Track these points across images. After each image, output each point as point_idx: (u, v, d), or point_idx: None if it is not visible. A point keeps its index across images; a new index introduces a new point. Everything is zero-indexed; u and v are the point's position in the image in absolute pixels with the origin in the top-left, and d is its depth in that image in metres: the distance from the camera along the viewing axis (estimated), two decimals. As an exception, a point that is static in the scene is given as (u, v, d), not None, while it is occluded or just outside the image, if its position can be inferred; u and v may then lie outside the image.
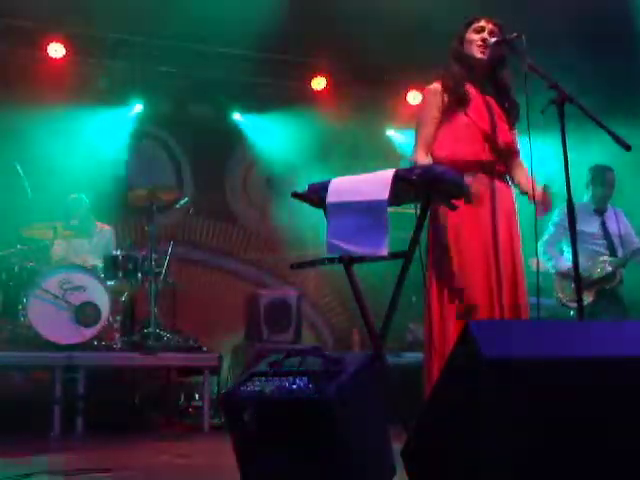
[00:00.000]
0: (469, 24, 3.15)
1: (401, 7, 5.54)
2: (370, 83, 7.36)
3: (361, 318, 2.68)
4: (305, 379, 2.13)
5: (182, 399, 6.00)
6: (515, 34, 2.99)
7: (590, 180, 5.13)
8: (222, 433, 3.65)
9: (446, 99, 3.07)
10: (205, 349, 5.59)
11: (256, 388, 2.18)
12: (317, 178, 2.81)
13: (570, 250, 2.75)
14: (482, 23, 3.12)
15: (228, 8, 5.58)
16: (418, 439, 2.04)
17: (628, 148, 2.63)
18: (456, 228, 2.96)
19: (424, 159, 3.03)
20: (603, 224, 5.08)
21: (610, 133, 2.65)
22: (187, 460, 3.65)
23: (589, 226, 5.01)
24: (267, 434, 2.14)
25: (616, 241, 5.04)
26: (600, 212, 5.12)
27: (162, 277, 5.93)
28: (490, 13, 3.18)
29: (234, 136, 7.75)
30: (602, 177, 5.10)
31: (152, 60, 6.90)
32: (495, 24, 3.13)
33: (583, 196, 5.16)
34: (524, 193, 3.16)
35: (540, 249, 5.08)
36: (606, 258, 4.96)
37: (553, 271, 5.09)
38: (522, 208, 3.22)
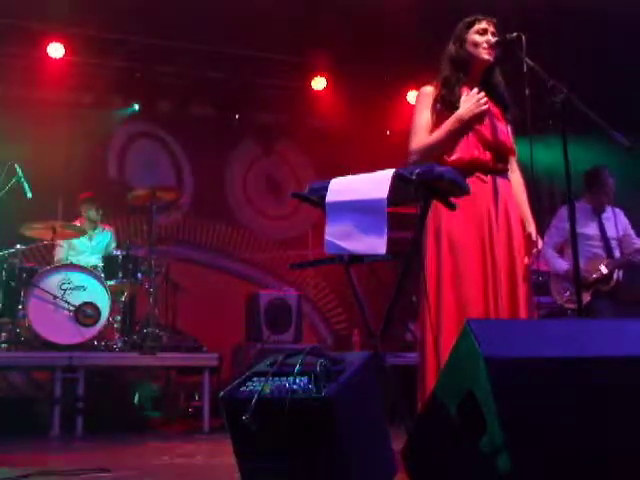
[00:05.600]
0: (469, 25, 3.10)
1: (401, 6, 5.55)
2: (370, 83, 7.35)
3: (361, 318, 2.68)
4: (305, 379, 2.13)
5: (182, 399, 6.01)
6: (515, 34, 2.97)
7: (588, 181, 5.08)
8: (222, 433, 3.64)
9: (439, 105, 3.06)
10: (205, 349, 5.59)
11: (256, 388, 2.17)
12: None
13: (569, 252, 2.74)
14: (484, 25, 3.07)
15: (228, 9, 5.59)
16: (418, 439, 2.04)
17: (628, 148, 2.61)
18: (453, 227, 2.95)
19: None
20: (601, 226, 5.01)
21: (609, 133, 2.64)
22: (187, 460, 3.65)
23: (587, 228, 4.95)
24: (267, 434, 2.14)
25: (613, 243, 4.98)
26: (598, 213, 5.05)
27: (162, 277, 5.94)
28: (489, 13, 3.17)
29: (234, 136, 7.76)
30: (601, 178, 5.07)
31: (152, 60, 6.89)
32: (494, 24, 3.10)
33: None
34: None
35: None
36: (603, 260, 4.92)
37: (551, 272, 5.03)
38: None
